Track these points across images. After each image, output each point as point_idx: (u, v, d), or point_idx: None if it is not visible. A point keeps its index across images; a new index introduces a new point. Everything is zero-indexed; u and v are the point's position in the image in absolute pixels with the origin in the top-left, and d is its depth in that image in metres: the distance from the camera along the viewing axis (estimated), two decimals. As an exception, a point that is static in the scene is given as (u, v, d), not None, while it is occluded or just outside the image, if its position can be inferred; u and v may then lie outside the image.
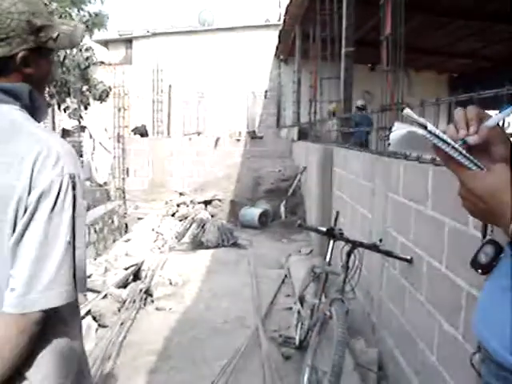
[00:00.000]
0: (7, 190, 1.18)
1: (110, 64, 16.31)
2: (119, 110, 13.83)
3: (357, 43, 6.98)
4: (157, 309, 5.04)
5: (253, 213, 9.21)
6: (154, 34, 17.47)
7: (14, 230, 1.19)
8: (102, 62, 14.63)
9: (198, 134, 15.04)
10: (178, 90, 16.48)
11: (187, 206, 9.39)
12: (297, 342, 3.94)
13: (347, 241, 3.12)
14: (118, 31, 19.24)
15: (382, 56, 4.29)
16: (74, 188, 1.23)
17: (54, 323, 1.25)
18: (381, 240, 3.20)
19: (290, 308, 4.82)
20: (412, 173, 3.11)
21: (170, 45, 16.85)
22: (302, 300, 3.98)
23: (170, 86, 16.40)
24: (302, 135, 11.00)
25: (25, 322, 1.18)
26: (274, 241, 8.40)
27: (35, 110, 1.35)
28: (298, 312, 4.01)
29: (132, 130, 14.28)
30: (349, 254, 3.08)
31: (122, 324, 4.54)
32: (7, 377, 1.20)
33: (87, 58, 9.12)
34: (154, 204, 10.91)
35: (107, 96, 8.77)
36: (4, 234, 1.19)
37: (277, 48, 15.19)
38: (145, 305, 5.12)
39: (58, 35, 1.36)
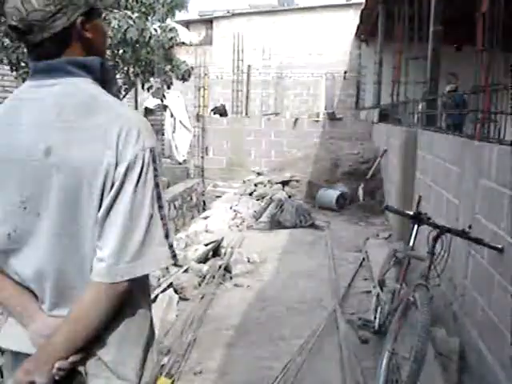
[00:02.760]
0: (93, 163, 1.20)
1: (190, 44, 16.59)
2: (199, 89, 14.09)
3: (443, 22, 6.65)
4: (235, 285, 5.16)
5: (330, 194, 9.13)
6: (234, 15, 17.55)
7: (100, 203, 1.22)
8: (183, 43, 14.91)
9: (276, 114, 15.04)
10: (257, 70, 16.53)
11: (265, 185, 9.48)
12: (376, 325, 3.90)
13: (435, 226, 3.03)
14: (198, 12, 19.52)
15: (477, 35, 4.06)
16: (154, 161, 1.25)
17: (135, 293, 1.30)
18: (470, 226, 3.09)
19: (369, 291, 4.78)
20: (506, 157, 2.95)
21: (249, 25, 16.87)
22: (381, 284, 3.93)
23: (249, 66, 16.47)
24: (383, 117, 10.72)
25: (113, 291, 1.22)
26: (351, 223, 8.31)
27: (106, 83, 1.35)
28: (378, 296, 3.96)
29: (211, 110, 14.51)
30: (435, 240, 3.00)
31: (202, 298, 4.69)
32: (87, 342, 1.25)
33: (171, 39, 9.31)
34: (231, 183, 11.11)
35: (189, 76, 8.91)
36: (91, 205, 1.22)
37: (357, 28, 14.79)
38: (223, 281, 5.25)
39: None
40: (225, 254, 5.96)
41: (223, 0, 22.86)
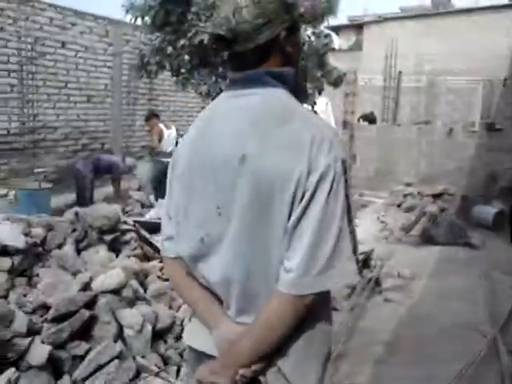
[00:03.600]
0: (286, 172, 1.21)
1: (340, 50, 16.62)
2: (346, 95, 14.03)
3: None
4: (385, 300, 5.10)
5: (487, 211, 8.57)
6: (386, 19, 17.19)
7: (290, 212, 1.22)
8: (333, 49, 14.94)
9: (427, 122, 14.44)
10: (408, 76, 16.01)
11: (414, 197, 9.18)
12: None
13: None
14: (347, 17, 19.42)
15: None
16: (345, 172, 1.24)
17: (318, 306, 1.29)
18: None
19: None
20: None
21: (401, 30, 16.40)
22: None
23: (399, 73, 16.03)
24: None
25: (298, 303, 1.22)
26: (509, 244, 7.73)
27: (298, 94, 1.37)
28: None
29: (360, 117, 14.37)
30: None
31: (351, 309, 4.71)
32: (268, 353, 1.27)
33: (326, 45, 9.42)
34: (378, 192, 10.91)
35: (341, 82, 8.91)
36: (281, 214, 1.22)
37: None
38: (373, 294, 5.22)
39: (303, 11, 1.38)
40: (374, 266, 5.90)
41: (372, 5, 22.52)
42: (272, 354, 1.29)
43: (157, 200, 7.86)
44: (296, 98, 1.35)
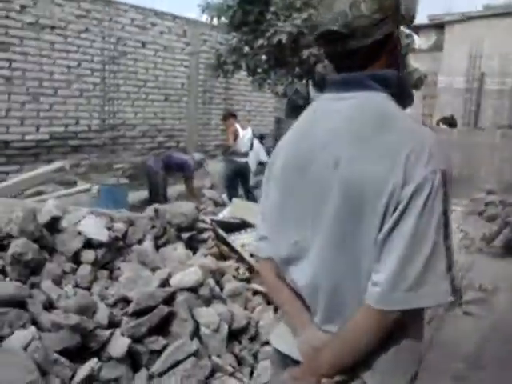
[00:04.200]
0: (379, 182, 1.16)
1: (420, 50, 16.11)
2: (425, 97, 13.57)
3: None
4: (465, 313, 4.85)
5: None
6: (470, 18, 16.45)
7: (381, 223, 1.17)
8: (414, 49, 14.52)
9: (510, 126, 13.71)
10: (491, 78, 15.26)
11: (496, 206, 8.71)
12: None
13: None
14: (428, 16, 18.79)
15: None
16: (445, 185, 1.17)
17: (407, 323, 1.24)
18: None
19: None
20: None
21: (485, 29, 15.64)
22: None
23: (482, 74, 15.31)
24: None
25: (385, 318, 1.18)
26: None
27: (401, 97, 1.31)
28: None
29: (439, 120, 13.86)
30: None
31: (429, 321, 4.51)
32: (350, 364, 1.24)
33: (407, 45, 9.18)
34: (457, 200, 10.45)
35: (422, 84, 8.61)
36: (372, 224, 1.18)
37: None
38: (452, 306, 4.97)
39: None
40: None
41: (454, 3, 21.67)
42: (357, 366, 1.26)
43: (230, 200, 7.91)
44: (400, 103, 1.30)
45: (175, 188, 9.08)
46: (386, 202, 1.16)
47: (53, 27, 9.18)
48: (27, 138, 8.94)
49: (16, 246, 2.92)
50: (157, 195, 7.90)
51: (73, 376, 2.51)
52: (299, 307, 1.37)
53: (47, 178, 7.39)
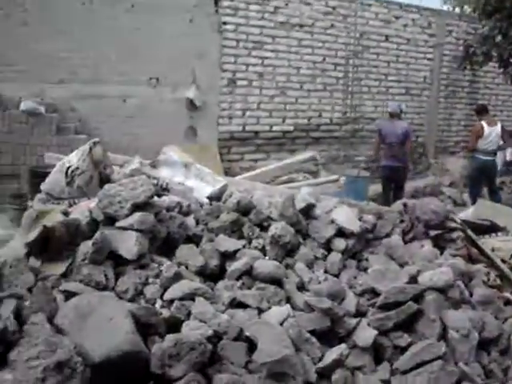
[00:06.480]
0: None
1: None
2: None
3: None
4: None
5: None
6: None
7: None
8: None
9: None
10: None
11: None
12: None
13: None
14: None
15: None
16: None
17: None
18: None
19: None
20: None
21: None
22: None
23: None
24: None
25: None
26: None
27: None
28: None
29: None
30: None
31: None
32: None
33: None
34: None
35: None
36: None
37: None
38: None
39: None
40: None
41: None
42: None
43: (473, 200, 7.36)
44: None
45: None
46: None
47: (301, 25, 9.73)
48: (274, 128, 9.68)
49: (276, 228, 3.17)
50: (389, 190, 7.79)
51: (321, 358, 2.64)
52: None
53: (298, 167, 7.92)
